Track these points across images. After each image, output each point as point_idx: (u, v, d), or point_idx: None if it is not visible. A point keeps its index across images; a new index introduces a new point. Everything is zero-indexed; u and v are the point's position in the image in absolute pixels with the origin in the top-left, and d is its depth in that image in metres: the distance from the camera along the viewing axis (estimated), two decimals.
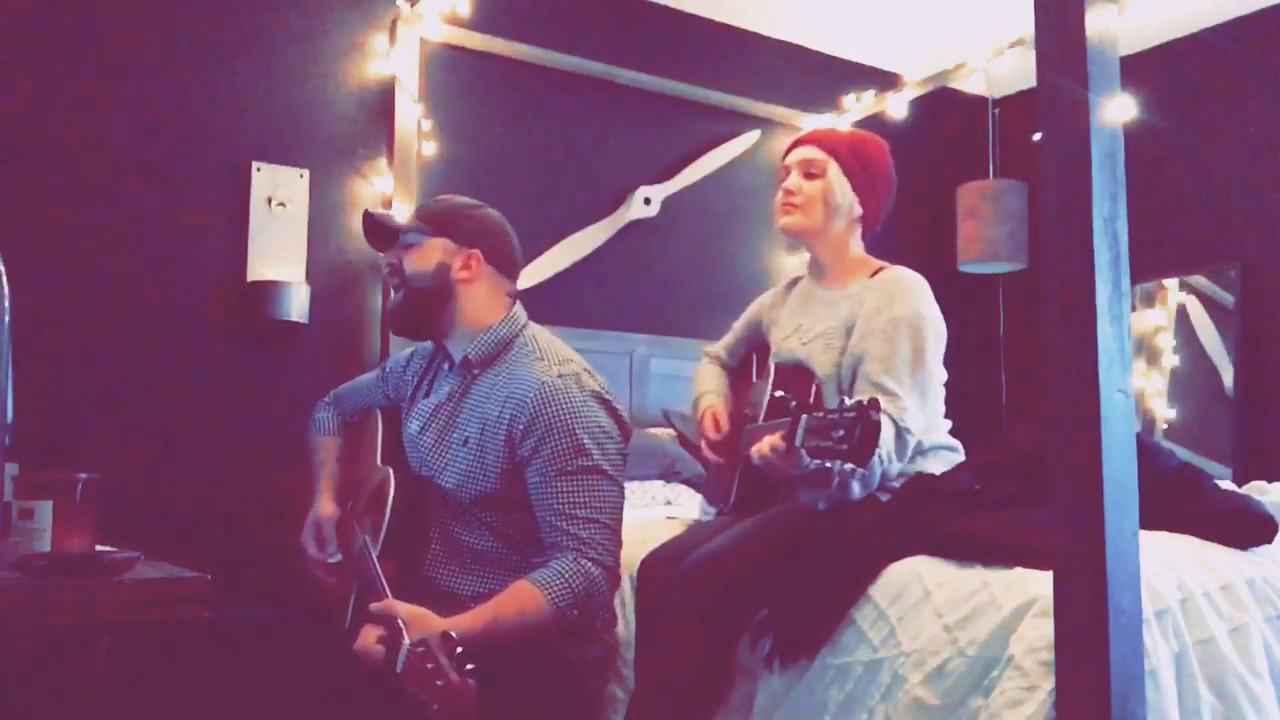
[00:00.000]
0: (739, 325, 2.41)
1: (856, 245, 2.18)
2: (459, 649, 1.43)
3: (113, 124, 2.76)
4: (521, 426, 1.81)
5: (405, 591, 1.72)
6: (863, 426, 1.43)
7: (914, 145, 4.12)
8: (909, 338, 1.94)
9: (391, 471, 1.91)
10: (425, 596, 1.80)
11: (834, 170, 2.12)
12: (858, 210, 2.14)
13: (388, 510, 1.86)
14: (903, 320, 1.96)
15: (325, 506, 2.03)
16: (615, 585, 1.84)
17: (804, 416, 1.51)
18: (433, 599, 1.80)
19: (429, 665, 1.41)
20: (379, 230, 1.98)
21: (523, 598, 1.69)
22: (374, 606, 1.60)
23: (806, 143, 2.17)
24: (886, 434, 1.81)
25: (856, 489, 1.76)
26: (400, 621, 1.51)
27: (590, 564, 1.74)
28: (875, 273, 2.12)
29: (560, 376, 1.84)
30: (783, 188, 2.16)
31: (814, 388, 2.04)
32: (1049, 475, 1.34)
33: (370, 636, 1.57)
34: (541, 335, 1.97)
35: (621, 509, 1.85)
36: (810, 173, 2.13)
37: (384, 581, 1.70)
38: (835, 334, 2.06)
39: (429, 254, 1.92)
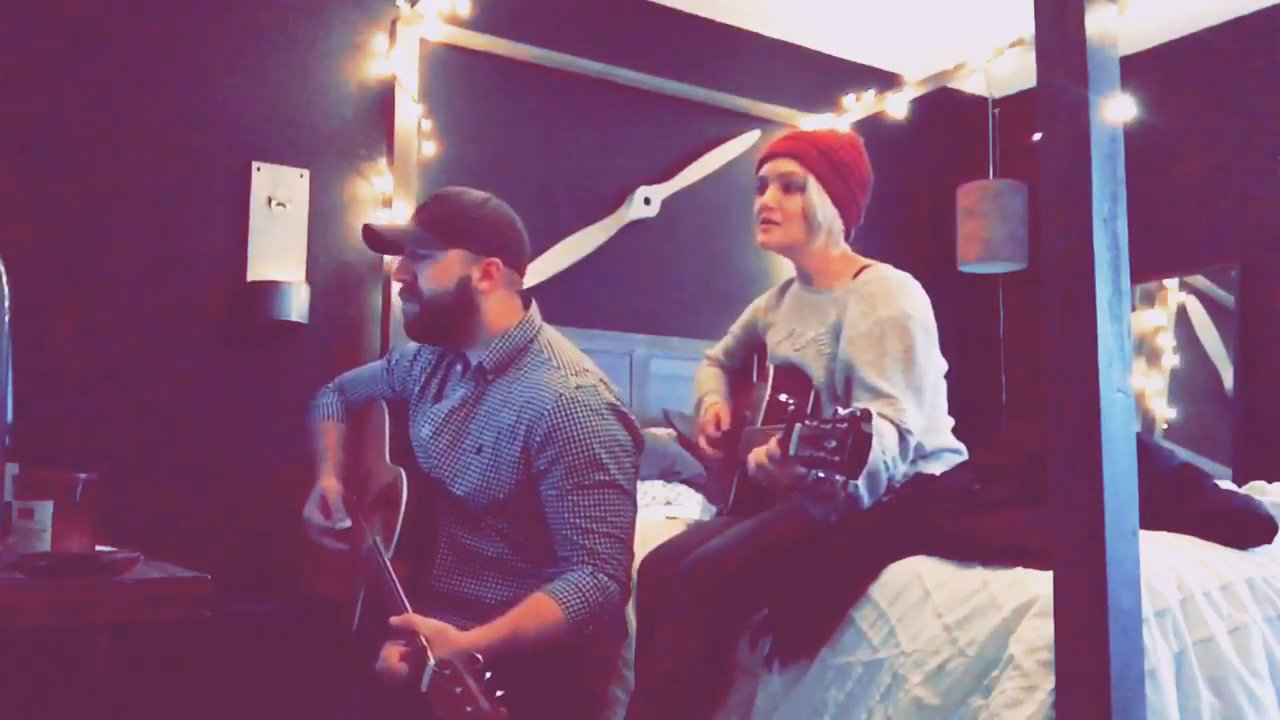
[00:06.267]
0: (736, 328, 2.40)
1: (838, 247, 2.16)
2: (488, 674, 1.41)
3: (113, 124, 2.76)
4: (539, 438, 1.80)
5: (416, 596, 1.71)
6: (854, 438, 1.41)
7: (914, 145, 4.13)
8: (897, 338, 1.93)
9: (404, 473, 1.88)
10: (437, 602, 1.79)
11: (813, 186, 2.08)
12: (839, 224, 2.12)
13: (400, 513, 1.83)
14: (888, 321, 1.94)
15: (329, 481, 2.01)
16: (627, 599, 1.84)
17: (798, 425, 1.50)
18: (444, 604, 1.79)
19: (458, 689, 1.38)
20: (384, 244, 1.93)
21: (541, 612, 1.68)
22: (394, 621, 1.58)
23: (782, 154, 2.11)
24: (890, 438, 1.80)
25: (865, 497, 1.76)
26: (423, 639, 1.49)
27: (606, 579, 1.74)
28: (859, 272, 2.10)
29: (579, 388, 1.82)
30: (761, 203, 2.12)
31: (813, 394, 2.03)
32: (1049, 475, 1.34)
33: (393, 655, 1.54)
34: (557, 340, 1.95)
35: (634, 523, 1.85)
36: (788, 187, 2.09)
37: (401, 593, 1.67)
38: (825, 340, 2.05)
39: (448, 269, 1.87)
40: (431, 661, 1.44)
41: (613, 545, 1.77)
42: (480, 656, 1.45)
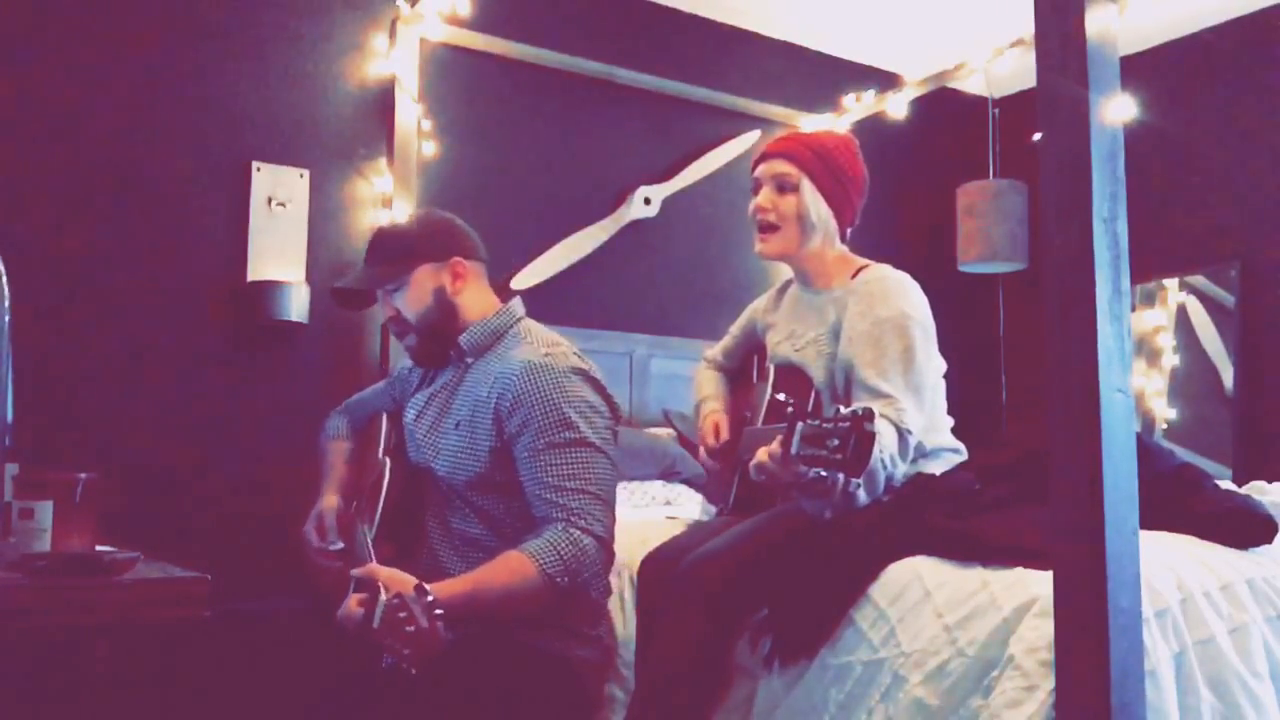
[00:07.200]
0: (735, 329, 2.41)
1: (836, 247, 2.16)
2: (430, 597, 1.46)
3: (113, 124, 2.76)
4: (508, 404, 1.82)
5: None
6: (857, 437, 1.41)
7: (914, 145, 4.13)
8: (896, 338, 1.93)
9: (389, 461, 1.94)
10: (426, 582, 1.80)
11: (807, 186, 2.08)
12: (833, 224, 2.12)
13: (383, 494, 1.89)
14: (887, 321, 1.94)
15: (329, 499, 2.04)
16: (609, 557, 1.84)
17: (799, 424, 1.50)
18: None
19: (402, 614, 1.44)
20: (354, 297, 2.00)
21: (511, 565, 1.69)
22: (355, 571, 1.62)
23: (775, 155, 2.12)
24: (889, 438, 1.80)
25: (862, 496, 1.76)
26: (380, 583, 1.52)
27: (580, 533, 1.74)
28: (857, 272, 2.10)
29: (547, 355, 1.85)
30: (755, 204, 2.12)
31: (814, 394, 2.03)
32: (1049, 475, 1.34)
33: (351, 601, 1.58)
34: (535, 326, 1.99)
35: (612, 481, 1.85)
36: (782, 187, 2.10)
37: (371, 552, 1.72)
38: (825, 340, 2.05)
39: (420, 287, 1.92)
40: (383, 598, 1.47)
41: (586, 501, 1.77)
42: (427, 586, 1.50)
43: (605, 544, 1.80)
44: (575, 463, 1.79)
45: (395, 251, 1.94)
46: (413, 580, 1.56)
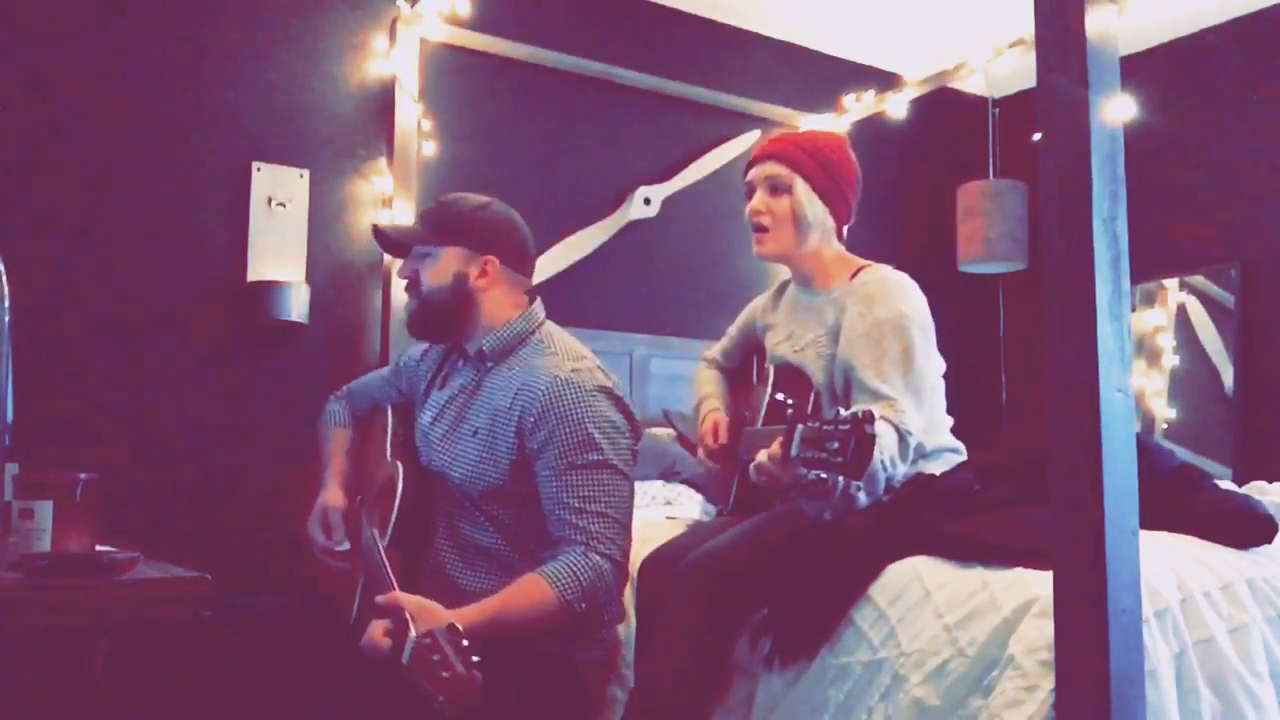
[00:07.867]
0: (734, 330, 2.40)
1: (833, 246, 2.16)
2: (465, 640, 1.44)
3: (113, 125, 2.76)
4: (532, 419, 1.81)
5: (412, 584, 1.72)
6: (857, 439, 1.41)
7: (914, 145, 4.13)
8: (895, 339, 1.93)
9: (401, 465, 1.92)
10: (431, 590, 1.80)
11: (801, 187, 2.07)
12: (830, 222, 2.11)
13: (396, 503, 1.86)
14: (886, 322, 1.94)
15: (332, 495, 2.03)
16: (624, 580, 1.84)
17: (799, 426, 1.50)
18: (438, 592, 1.80)
19: (435, 657, 1.42)
20: (390, 243, 1.99)
21: (530, 590, 1.69)
22: (380, 599, 1.60)
23: (767, 157, 2.12)
24: (889, 439, 1.80)
25: (862, 498, 1.76)
26: (407, 614, 1.51)
27: (599, 558, 1.74)
28: (855, 273, 2.09)
29: (574, 371, 1.84)
30: (750, 207, 2.12)
31: (813, 395, 2.03)
32: (1049, 475, 1.34)
33: (377, 630, 1.56)
34: (557, 333, 1.98)
35: (631, 504, 1.85)
36: (776, 189, 2.09)
37: (390, 574, 1.70)
38: (824, 341, 2.05)
39: (445, 265, 1.91)
40: (413, 634, 1.45)
41: (606, 524, 1.77)
42: (460, 626, 1.47)
43: (621, 568, 1.80)
44: (597, 485, 1.78)
45: (442, 222, 1.93)
46: (444, 617, 1.54)
